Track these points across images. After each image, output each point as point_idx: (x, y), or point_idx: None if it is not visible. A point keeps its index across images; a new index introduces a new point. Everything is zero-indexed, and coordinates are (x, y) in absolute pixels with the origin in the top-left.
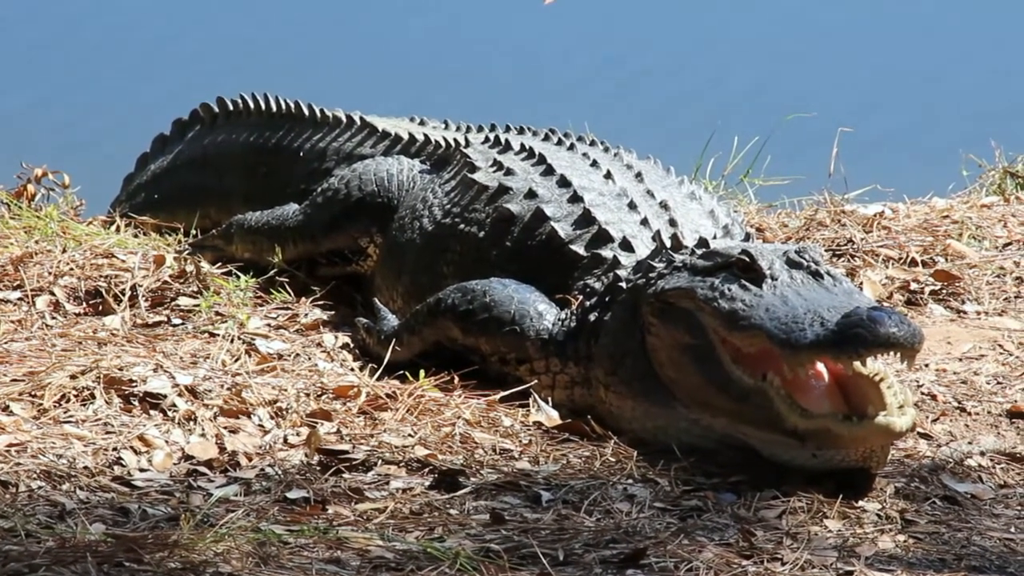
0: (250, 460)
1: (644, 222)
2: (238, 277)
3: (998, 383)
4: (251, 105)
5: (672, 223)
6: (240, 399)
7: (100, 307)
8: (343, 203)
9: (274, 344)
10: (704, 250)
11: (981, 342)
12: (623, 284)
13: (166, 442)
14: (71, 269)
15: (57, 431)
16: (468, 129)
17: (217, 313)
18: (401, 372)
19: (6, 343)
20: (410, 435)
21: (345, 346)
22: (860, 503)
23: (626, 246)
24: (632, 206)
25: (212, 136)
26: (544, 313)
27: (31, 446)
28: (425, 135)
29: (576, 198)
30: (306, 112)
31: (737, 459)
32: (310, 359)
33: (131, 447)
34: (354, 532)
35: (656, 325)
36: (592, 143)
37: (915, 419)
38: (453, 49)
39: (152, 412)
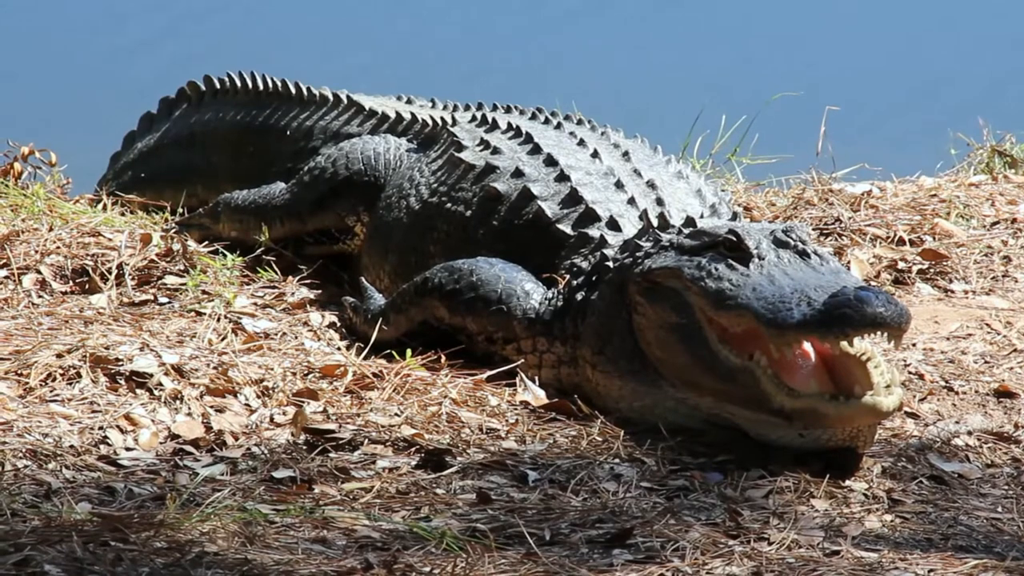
0: (236, 439)
1: (631, 201)
2: (225, 256)
3: (985, 362)
4: (238, 83)
5: (659, 202)
6: (226, 378)
7: (86, 286)
8: (330, 182)
9: (261, 323)
10: (691, 229)
11: (968, 321)
12: (610, 263)
13: (152, 421)
14: (57, 248)
15: (43, 410)
16: (455, 108)
17: (204, 292)
18: (388, 351)
19: None
20: (397, 414)
21: (332, 325)
22: (847, 483)
23: (613, 225)
24: (619, 185)
25: (199, 114)
26: (531, 292)
27: (17, 425)
28: (412, 114)
29: (563, 177)
30: (293, 90)
31: (724, 439)
32: (297, 338)
33: (117, 426)
34: (340, 512)
35: (643, 304)
36: (579, 122)
37: (902, 399)
38: (441, 28)
39: (138, 391)
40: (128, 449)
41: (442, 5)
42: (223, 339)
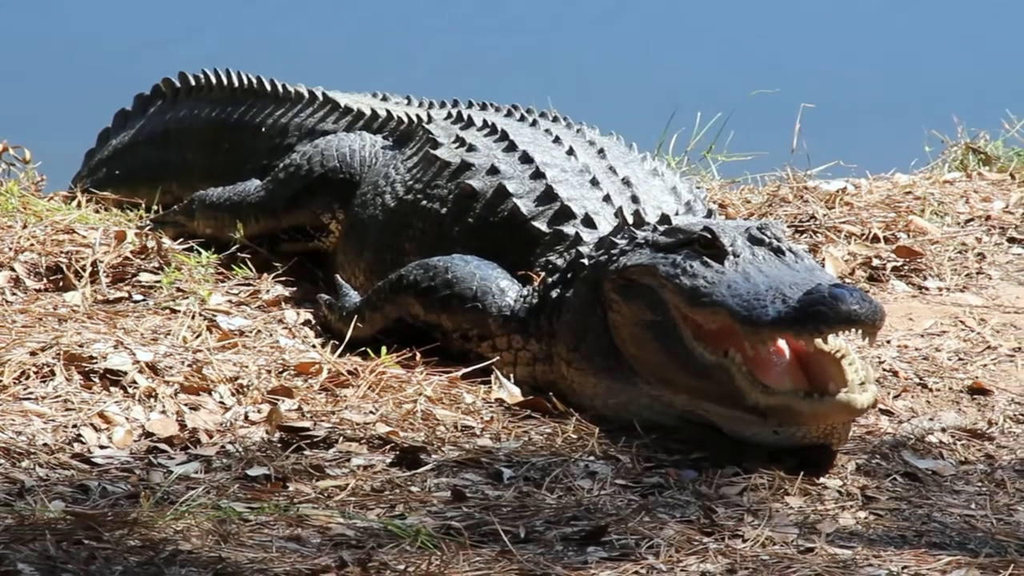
0: (211, 437)
1: (606, 199)
2: (199, 253)
3: (959, 359)
4: (213, 80)
5: (634, 199)
6: (201, 376)
7: (61, 283)
8: (305, 179)
9: (235, 320)
10: (666, 227)
11: (943, 318)
12: (585, 261)
13: (126, 419)
14: (32, 245)
15: (16, 408)
16: (431, 105)
17: (178, 289)
18: (363, 349)
19: None
20: (371, 412)
21: (307, 323)
22: (821, 480)
23: (588, 223)
24: (594, 182)
25: (174, 111)
26: (506, 289)
27: None
28: (387, 111)
29: (538, 174)
30: (268, 87)
31: (699, 436)
32: (271, 336)
33: (91, 424)
34: (315, 509)
35: (618, 302)
36: (555, 119)
37: (876, 396)
38: (418, 24)
39: (112, 389)
40: (102, 447)
41: (421, 1)
42: (198, 337)
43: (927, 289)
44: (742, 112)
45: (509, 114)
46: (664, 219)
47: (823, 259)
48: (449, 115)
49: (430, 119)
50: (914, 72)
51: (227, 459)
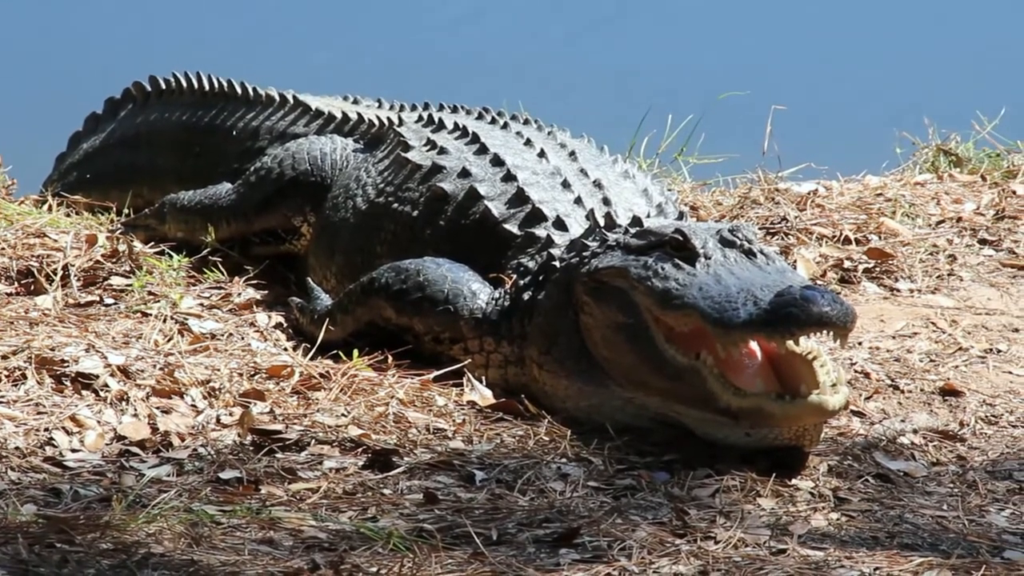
0: (183, 440)
1: (578, 201)
2: (171, 256)
3: (931, 361)
4: (184, 84)
5: (606, 202)
6: (173, 379)
7: (32, 287)
8: (276, 182)
9: (207, 324)
10: (637, 229)
11: (914, 320)
12: (557, 263)
13: (98, 422)
14: (2, 249)
15: None
16: (402, 108)
17: (150, 293)
18: (335, 352)
19: None
20: (343, 415)
21: (278, 326)
22: (793, 481)
23: (560, 225)
24: (566, 185)
25: (145, 115)
26: (478, 292)
27: None
28: (358, 114)
29: (510, 177)
30: (239, 91)
31: (671, 438)
32: (243, 339)
33: (63, 427)
34: (287, 512)
35: (589, 304)
36: (526, 122)
37: (848, 397)
38: (389, 25)
39: (84, 392)
40: (74, 450)
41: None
42: (169, 340)
43: (898, 291)
44: (713, 114)
45: (480, 117)
46: (636, 221)
47: (794, 261)
48: (420, 118)
49: (401, 122)
50: (884, 74)
51: (199, 462)
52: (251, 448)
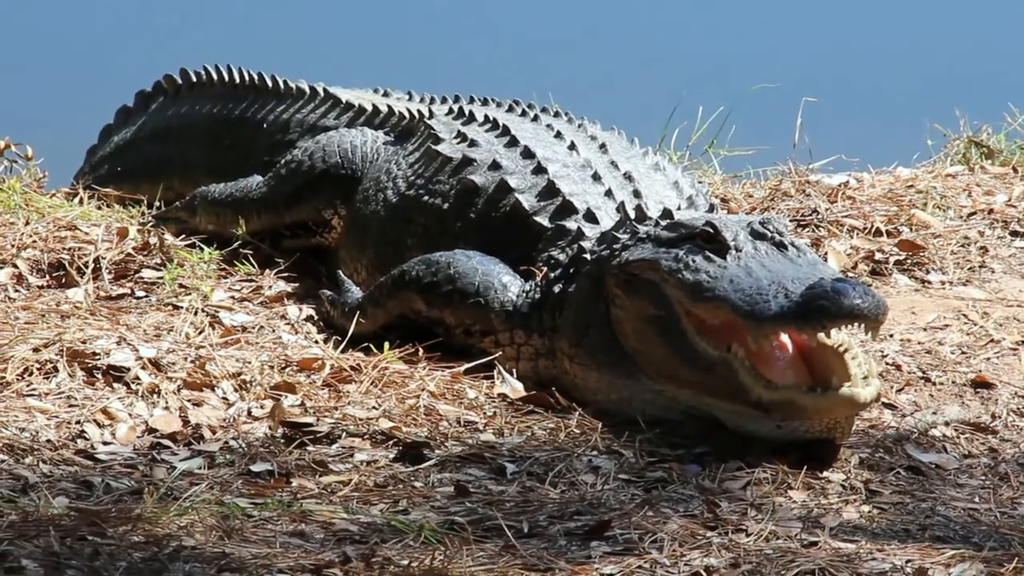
0: (214, 433)
1: (608, 193)
2: (202, 249)
3: (962, 353)
4: (214, 76)
5: (636, 194)
6: (204, 372)
7: (63, 280)
8: (307, 175)
9: (238, 316)
10: (668, 221)
11: (945, 312)
12: (587, 256)
13: (129, 415)
14: (34, 241)
15: (20, 404)
16: (432, 100)
17: (181, 285)
18: (365, 344)
19: None
20: (374, 407)
21: (309, 318)
22: (824, 474)
23: (590, 217)
24: (596, 177)
25: (175, 108)
26: (508, 285)
27: None
28: (389, 106)
29: (540, 169)
30: (269, 83)
31: (702, 430)
32: (274, 331)
33: (94, 420)
34: (318, 505)
35: (620, 297)
36: (556, 114)
37: (879, 390)
38: (418, 18)
39: (115, 385)
40: (105, 443)
41: None
42: (200, 333)
43: (930, 283)
44: (744, 106)
45: (511, 109)
46: (666, 214)
47: (825, 253)
48: (450, 111)
49: (431, 115)
50: (916, 65)
51: (230, 455)
52: (282, 441)
